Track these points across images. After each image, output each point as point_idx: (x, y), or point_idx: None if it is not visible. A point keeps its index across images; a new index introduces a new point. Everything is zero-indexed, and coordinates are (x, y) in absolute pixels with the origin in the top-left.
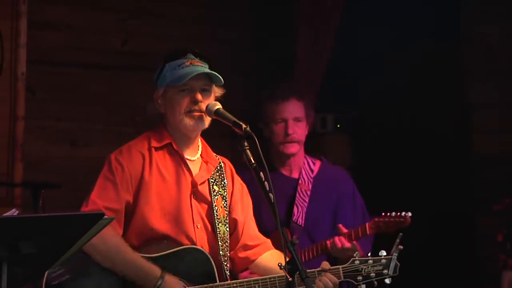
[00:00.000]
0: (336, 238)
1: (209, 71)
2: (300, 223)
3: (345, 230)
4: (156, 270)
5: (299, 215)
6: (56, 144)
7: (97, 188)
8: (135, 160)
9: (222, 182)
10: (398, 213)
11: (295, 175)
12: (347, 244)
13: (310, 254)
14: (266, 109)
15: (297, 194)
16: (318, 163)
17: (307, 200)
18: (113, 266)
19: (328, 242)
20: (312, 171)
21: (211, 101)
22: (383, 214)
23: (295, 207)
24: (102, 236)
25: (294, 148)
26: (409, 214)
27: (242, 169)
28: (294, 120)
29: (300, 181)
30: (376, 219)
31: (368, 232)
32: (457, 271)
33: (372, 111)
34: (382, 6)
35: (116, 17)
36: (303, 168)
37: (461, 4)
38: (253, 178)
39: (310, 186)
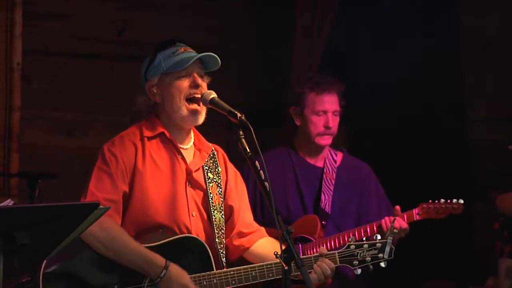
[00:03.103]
0: (395, 220)
1: (211, 53)
2: (328, 211)
3: (400, 212)
4: (160, 259)
5: (326, 202)
6: (52, 134)
7: (94, 180)
8: (128, 150)
9: (216, 169)
10: (448, 200)
11: (319, 164)
12: (405, 225)
13: (363, 235)
14: (305, 98)
15: (323, 182)
16: (340, 154)
17: (332, 189)
18: (116, 256)
19: (383, 222)
20: (335, 161)
21: (206, 87)
22: (430, 201)
23: (322, 194)
24: (104, 226)
25: (329, 141)
26: (461, 201)
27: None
28: (333, 114)
29: (325, 170)
30: (424, 205)
31: (415, 218)
32: (454, 259)
33: (370, 102)
34: None
35: (113, 6)
36: (327, 158)
37: None
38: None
39: (334, 175)
